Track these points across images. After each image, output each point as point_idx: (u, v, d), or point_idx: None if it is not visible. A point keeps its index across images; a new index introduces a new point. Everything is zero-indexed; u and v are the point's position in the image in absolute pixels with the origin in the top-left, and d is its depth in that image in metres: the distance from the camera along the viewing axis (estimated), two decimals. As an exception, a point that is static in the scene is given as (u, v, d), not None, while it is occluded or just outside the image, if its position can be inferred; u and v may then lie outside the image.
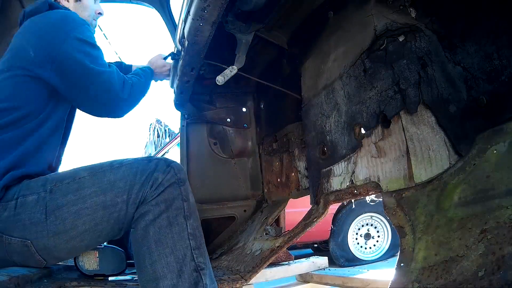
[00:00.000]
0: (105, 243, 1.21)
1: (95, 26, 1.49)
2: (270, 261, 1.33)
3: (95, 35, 1.35)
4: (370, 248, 3.96)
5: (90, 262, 1.15)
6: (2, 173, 1.00)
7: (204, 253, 0.99)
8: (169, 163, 1.05)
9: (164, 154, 4.25)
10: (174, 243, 0.94)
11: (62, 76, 1.13)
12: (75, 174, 1.02)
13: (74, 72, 1.13)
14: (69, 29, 1.16)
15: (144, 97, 1.40)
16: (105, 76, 1.17)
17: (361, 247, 3.93)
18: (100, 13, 1.48)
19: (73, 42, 1.14)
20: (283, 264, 1.73)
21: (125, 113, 1.31)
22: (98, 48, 1.22)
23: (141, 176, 1.00)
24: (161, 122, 11.93)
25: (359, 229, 3.93)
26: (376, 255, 3.92)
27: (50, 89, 1.15)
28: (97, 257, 1.16)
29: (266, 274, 1.56)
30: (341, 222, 3.82)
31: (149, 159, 1.06)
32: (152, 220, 0.95)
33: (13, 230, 0.95)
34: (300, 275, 1.74)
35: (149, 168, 1.01)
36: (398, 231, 0.85)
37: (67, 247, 0.99)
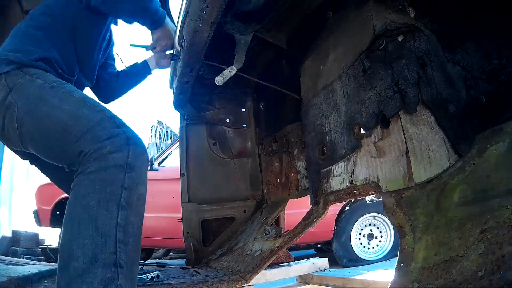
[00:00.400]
0: None
1: None
2: (270, 261, 1.33)
3: None
4: (373, 248, 3.96)
5: None
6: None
7: (132, 254, 0.88)
8: (130, 142, 0.95)
9: (167, 156, 4.24)
10: (97, 230, 0.84)
11: None
12: (70, 91, 1.05)
13: None
14: None
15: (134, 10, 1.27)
16: None
17: (364, 247, 3.93)
18: None
19: None
20: (283, 265, 1.73)
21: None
22: None
23: (102, 129, 0.95)
24: (162, 123, 11.94)
25: (362, 229, 3.93)
26: (379, 255, 3.92)
27: None
28: None
29: (266, 275, 1.56)
30: (344, 223, 3.82)
31: (118, 124, 0.99)
32: (83, 196, 0.88)
33: (16, 94, 1.04)
34: (300, 276, 1.74)
35: (108, 131, 0.95)
36: (398, 231, 0.85)
37: (28, 131, 1.03)
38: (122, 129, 0.98)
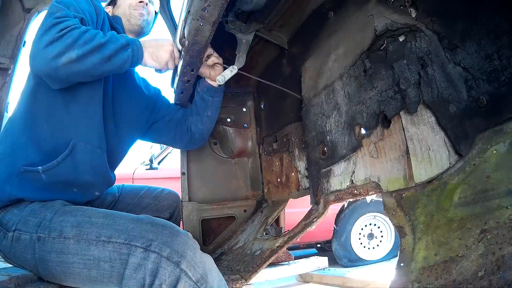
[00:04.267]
0: None
1: (142, 19, 1.44)
2: (270, 261, 1.33)
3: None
4: (374, 248, 3.94)
5: None
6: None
7: None
8: (176, 261, 0.84)
9: (167, 154, 4.24)
10: None
11: None
12: (62, 229, 0.93)
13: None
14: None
15: (94, 60, 1.02)
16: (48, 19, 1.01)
17: (364, 247, 3.92)
18: (141, 1, 1.44)
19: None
20: (283, 264, 1.73)
21: (42, 66, 0.99)
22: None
23: (133, 271, 0.85)
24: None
25: (362, 229, 3.91)
26: (379, 255, 3.91)
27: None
28: None
29: (266, 274, 1.56)
30: (344, 222, 3.81)
31: (146, 246, 0.86)
32: None
33: (13, 258, 0.99)
34: (300, 275, 1.74)
35: (145, 267, 0.84)
36: (398, 231, 0.85)
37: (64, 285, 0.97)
38: (149, 244, 0.86)
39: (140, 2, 1.46)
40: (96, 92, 1.17)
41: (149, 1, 1.51)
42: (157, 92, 1.61)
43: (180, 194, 1.79)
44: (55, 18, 1.01)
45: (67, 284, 0.94)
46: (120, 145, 1.33)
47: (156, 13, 1.60)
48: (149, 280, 0.83)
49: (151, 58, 1.19)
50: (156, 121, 1.53)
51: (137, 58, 1.14)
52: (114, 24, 1.38)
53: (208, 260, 0.90)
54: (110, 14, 1.46)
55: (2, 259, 1.11)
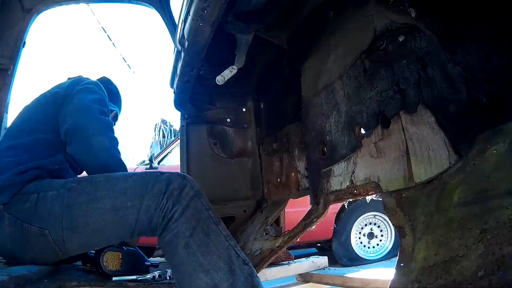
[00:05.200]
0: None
1: None
2: (270, 261, 1.33)
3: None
4: (374, 247, 3.93)
5: (113, 262, 1.22)
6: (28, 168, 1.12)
7: (239, 248, 1.04)
8: (183, 176, 1.09)
9: (167, 154, 4.24)
10: (218, 249, 0.99)
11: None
12: (92, 178, 1.11)
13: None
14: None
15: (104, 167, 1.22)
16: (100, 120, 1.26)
17: (364, 246, 3.91)
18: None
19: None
20: (283, 264, 1.73)
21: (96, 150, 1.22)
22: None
23: (153, 185, 1.05)
24: (166, 122, 11.92)
25: (362, 228, 3.90)
26: (379, 254, 3.90)
27: None
28: (120, 258, 1.24)
29: (266, 274, 1.56)
30: (344, 221, 3.80)
31: (161, 172, 1.11)
32: (190, 236, 0.99)
33: (33, 220, 1.04)
34: (300, 274, 1.74)
35: (161, 180, 1.06)
36: (398, 231, 0.85)
37: (79, 242, 1.07)
38: (163, 172, 1.11)
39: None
40: None
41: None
42: None
43: None
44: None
45: (87, 228, 1.03)
46: None
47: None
48: (164, 188, 1.03)
49: None
50: None
51: None
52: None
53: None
54: None
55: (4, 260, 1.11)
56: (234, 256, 0.99)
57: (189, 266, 0.97)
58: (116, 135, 1.30)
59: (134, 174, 1.11)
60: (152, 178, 1.07)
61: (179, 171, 1.88)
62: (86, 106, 1.26)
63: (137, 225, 1.04)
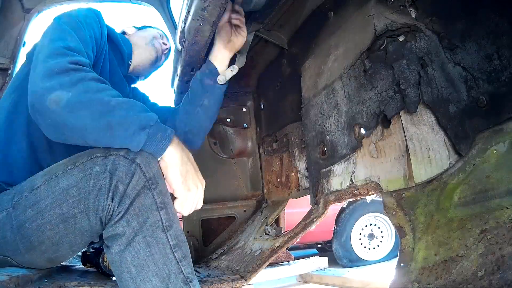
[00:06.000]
0: None
1: (158, 58, 1.50)
2: (270, 261, 1.33)
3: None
4: (374, 248, 3.93)
5: None
6: None
7: (190, 261, 0.87)
8: (132, 157, 0.83)
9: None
10: (156, 263, 0.82)
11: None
12: (32, 183, 0.89)
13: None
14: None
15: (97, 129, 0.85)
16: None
17: (365, 247, 3.91)
18: (164, 43, 1.51)
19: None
20: (283, 264, 1.73)
21: (32, 93, 0.87)
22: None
23: (95, 180, 0.82)
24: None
25: (362, 229, 3.90)
26: (380, 255, 3.90)
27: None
28: None
29: (266, 274, 1.56)
30: (344, 222, 3.80)
31: (105, 153, 0.84)
32: (127, 244, 0.81)
33: None
34: (300, 275, 1.74)
35: (104, 170, 0.82)
36: (398, 231, 0.85)
37: (45, 258, 0.94)
38: (108, 153, 0.84)
39: (164, 44, 1.51)
40: None
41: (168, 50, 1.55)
42: (146, 100, 1.54)
43: None
44: (66, 48, 0.92)
45: (45, 245, 0.89)
46: None
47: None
48: (108, 182, 0.81)
49: (174, 170, 0.92)
50: None
51: (153, 147, 0.87)
52: (120, 44, 1.34)
53: (161, 172, 0.87)
54: (127, 34, 1.49)
55: None
56: (174, 273, 0.82)
57: (120, 274, 0.83)
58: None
59: (75, 165, 0.85)
60: (94, 171, 0.83)
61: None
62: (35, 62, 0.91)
63: (94, 229, 0.87)
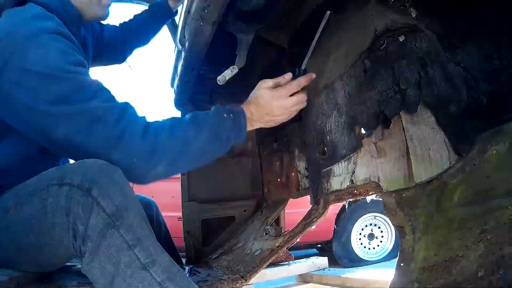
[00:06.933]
0: None
1: (103, 16, 1.12)
2: (270, 261, 1.33)
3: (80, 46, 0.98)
4: (374, 248, 3.93)
5: None
6: None
7: (180, 281, 0.76)
8: (87, 188, 0.72)
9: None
10: None
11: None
12: (6, 204, 0.83)
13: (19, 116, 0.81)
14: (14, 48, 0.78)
15: (195, 163, 0.91)
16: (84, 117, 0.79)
17: (365, 247, 3.91)
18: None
19: (11, 73, 0.77)
20: (283, 264, 1.73)
21: (147, 181, 0.86)
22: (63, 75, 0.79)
23: (52, 215, 0.75)
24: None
25: (362, 229, 3.90)
26: (379, 255, 3.90)
27: None
28: None
29: (266, 274, 1.56)
30: (344, 222, 3.80)
31: (60, 181, 0.75)
32: (109, 284, 0.74)
33: None
34: (300, 275, 1.74)
35: (60, 206, 0.74)
36: (398, 231, 0.85)
37: (32, 269, 0.92)
38: (62, 181, 0.75)
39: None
40: None
41: None
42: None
43: (151, 200, 1.76)
44: (103, 101, 0.81)
45: (27, 266, 0.89)
46: None
47: None
48: (66, 219, 0.73)
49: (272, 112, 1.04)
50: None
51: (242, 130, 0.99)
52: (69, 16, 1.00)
53: (132, 196, 0.77)
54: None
55: None
56: None
57: None
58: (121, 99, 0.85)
59: (36, 190, 0.78)
60: (49, 203, 0.75)
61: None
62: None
63: (70, 254, 0.82)
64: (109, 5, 1.13)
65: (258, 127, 1.06)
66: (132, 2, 2.12)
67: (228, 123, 0.96)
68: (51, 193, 0.75)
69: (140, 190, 1.92)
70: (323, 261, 1.77)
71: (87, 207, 0.72)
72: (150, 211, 1.63)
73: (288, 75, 1.09)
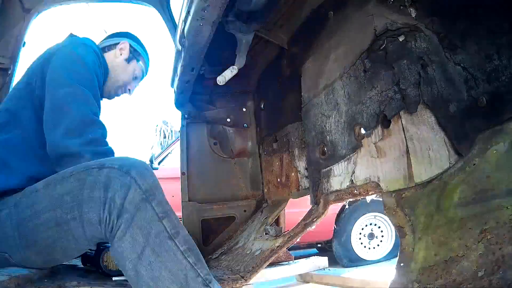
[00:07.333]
0: None
1: (113, 97, 1.47)
2: (270, 261, 1.33)
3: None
4: (374, 248, 3.93)
5: (113, 262, 1.19)
6: None
7: (204, 262, 0.88)
8: (126, 170, 0.86)
9: (167, 154, 4.23)
10: (171, 272, 0.82)
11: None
12: (35, 186, 0.95)
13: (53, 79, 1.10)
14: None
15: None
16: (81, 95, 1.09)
17: (365, 247, 3.90)
18: (129, 90, 1.48)
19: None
20: (283, 264, 1.73)
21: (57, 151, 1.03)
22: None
23: (90, 190, 0.85)
24: (167, 123, 11.95)
25: (362, 229, 3.90)
26: (380, 255, 3.90)
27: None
28: None
29: (266, 274, 1.56)
30: (344, 222, 3.80)
31: (100, 165, 0.88)
32: (138, 258, 0.82)
33: None
34: (300, 275, 1.74)
35: (99, 181, 0.85)
36: (398, 231, 0.85)
37: (40, 259, 0.97)
38: (103, 164, 0.89)
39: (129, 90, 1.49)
40: None
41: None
42: None
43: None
44: (90, 108, 1.10)
45: (39, 246, 0.92)
46: None
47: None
48: (103, 194, 0.83)
49: None
50: None
51: None
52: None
53: (157, 182, 0.91)
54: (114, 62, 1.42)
55: None
56: (192, 277, 0.83)
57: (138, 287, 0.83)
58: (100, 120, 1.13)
59: (72, 173, 0.90)
60: (89, 181, 0.86)
61: (180, 171, 1.89)
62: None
63: (89, 237, 0.89)
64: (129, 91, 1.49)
65: None
66: (132, 2, 2.12)
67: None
68: (91, 173, 0.87)
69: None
70: (323, 261, 1.77)
71: (126, 185, 0.84)
72: None
73: None
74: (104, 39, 1.45)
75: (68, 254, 0.98)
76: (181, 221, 1.79)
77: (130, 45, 1.43)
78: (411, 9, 0.91)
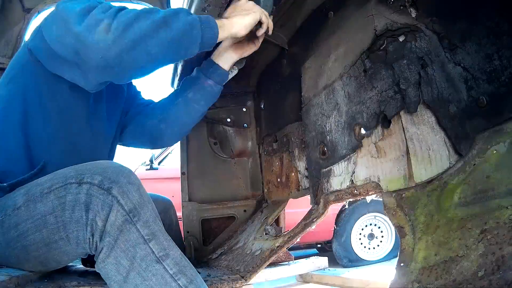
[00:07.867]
0: None
1: None
2: (270, 261, 1.33)
3: None
4: (374, 248, 3.93)
5: None
6: None
7: (198, 283, 0.82)
8: (107, 187, 0.78)
9: (167, 154, 4.24)
10: None
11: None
12: (15, 201, 0.87)
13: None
14: None
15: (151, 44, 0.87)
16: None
17: (365, 247, 3.91)
18: None
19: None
20: (283, 264, 1.73)
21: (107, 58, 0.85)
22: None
23: (71, 211, 0.79)
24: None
25: (362, 229, 3.90)
26: (380, 255, 3.90)
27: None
28: None
29: (266, 274, 1.56)
30: (344, 222, 3.80)
31: (79, 180, 0.80)
32: (123, 281, 0.78)
33: None
34: (300, 275, 1.74)
35: (79, 202, 0.78)
36: (398, 231, 0.85)
37: (36, 269, 0.94)
38: (82, 179, 0.80)
39: None
40: (82, 107, 1.06)
41: None
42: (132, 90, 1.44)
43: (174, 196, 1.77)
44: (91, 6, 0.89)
45: (33, 262, 0.90)
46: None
47: None
48: (85, 215, 0.77)
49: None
50: (126, 125, 1.35)
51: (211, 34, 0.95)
52: None
53: (147, 195, 0.83)
54: None
55: None
56: None
57: None
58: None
59: (51, 188, 0.83)
60: (68, 200, 0.79)
61: (180, 171, 1.89)
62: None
63: (80, 252, 0.85)
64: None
65: (232, 26, 1.00)
66: (132, 2, 2.12)
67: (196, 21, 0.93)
68: (69, 190, 0.80)
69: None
70: (323, 261, 1.77)
71: (107, 205, 0.77)
72: (166, 209, 1.60)
73: None
74: None
75: (63, 263, 0.96)
76: (181, 221, 1.81)
77: None
78: (411, 9, 0.91)
